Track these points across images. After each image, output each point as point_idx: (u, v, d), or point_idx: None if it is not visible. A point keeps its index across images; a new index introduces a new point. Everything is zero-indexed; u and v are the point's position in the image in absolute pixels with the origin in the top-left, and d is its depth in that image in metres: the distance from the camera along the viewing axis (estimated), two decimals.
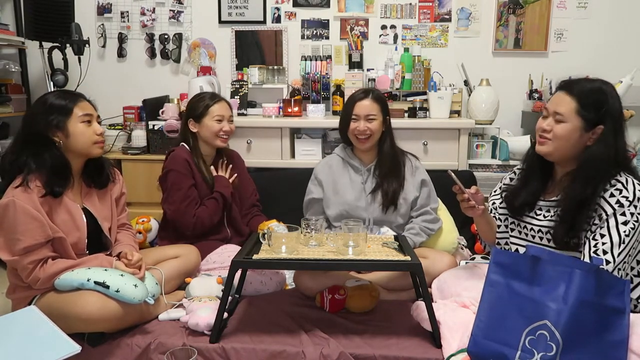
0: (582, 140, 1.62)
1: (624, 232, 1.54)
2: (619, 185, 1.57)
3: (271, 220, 2.37)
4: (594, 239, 1.57)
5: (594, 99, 1.60)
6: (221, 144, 2.35)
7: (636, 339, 1.39)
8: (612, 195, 1.57)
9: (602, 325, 1.38)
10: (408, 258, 1.68)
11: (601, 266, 1.50)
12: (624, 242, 1.53)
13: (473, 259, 2.35)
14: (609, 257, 1.53)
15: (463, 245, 2.45)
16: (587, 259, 1.55)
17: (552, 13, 3.21)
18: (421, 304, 1.72)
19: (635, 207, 1.55)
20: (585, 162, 1.61)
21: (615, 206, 1.55)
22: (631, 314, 1.43)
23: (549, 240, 1.70)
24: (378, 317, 1.85)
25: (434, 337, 1.63)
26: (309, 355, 1.59)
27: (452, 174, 1.71)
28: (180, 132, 2.45)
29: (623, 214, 1.55)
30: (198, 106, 2.33)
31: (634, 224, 1.54)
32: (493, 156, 3.03)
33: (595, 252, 1.54)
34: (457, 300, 1.75)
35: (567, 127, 1.61)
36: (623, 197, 1.56)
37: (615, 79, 2.75)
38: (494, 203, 1.92)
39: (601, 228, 1.56)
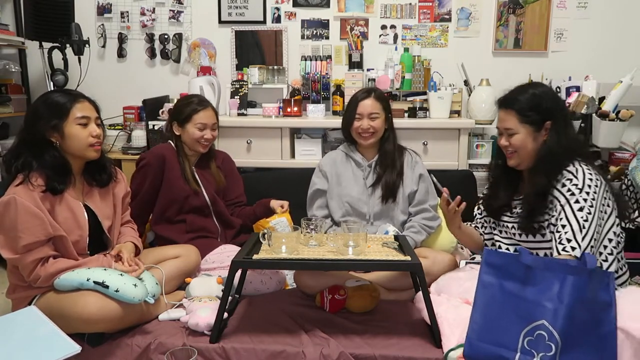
0: (538, 140, 1.74)
1: (582, 217, 1.59)
2: (569, 175, 1.66)
3: (284, 214, 2.37)
4: (557, 231, 1.63)
5: (530, 105, 1.73)
6: (202, 150, 2.35)
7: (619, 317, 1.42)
8: (563, 185, 1.66)
9: (595, 321, 1.40)
10: (408, 258, 1.68)
11: (568, 253, 1.56)
12: (584, 227, 1.58)
13: (473, 258, 2.34)
14: (573, 244, 1.57)
15: (463, 246, 2.45)
16: (555, 253, 1.60)
17: (552, 13, 3.21)
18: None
19: (587, 193, 1.62)
20: (542, 154, 1.72)
21: (567, 195, 1.64)
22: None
23: (520, 235, 1.79)
24: (378, 317, 1.85)
25: (434, 337, 1.63)
26: (309, 355, 1.59)
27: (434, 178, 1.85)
28: (166, 130, 2.45)
29: (577, 201, 1.62)
30: (184, 111, 2.33)
31: (589, 209, 1.60)
32: (493, 156, 3.02)
33: (560, 242, 1.60)
34: (462, 297, 1.76)
35: (520, 137, 1.75)
36: (573, 185, 1.64)
37: (615, 79, 2.76)
38: (479, 208, 2.02)
39: (560, 219, 1.63)
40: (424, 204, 2.28)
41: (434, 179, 1.85)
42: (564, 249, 1.57)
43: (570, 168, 1.69)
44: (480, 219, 2.01)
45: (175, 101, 2.53)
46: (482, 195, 2.02)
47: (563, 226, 1.62)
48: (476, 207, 2.04)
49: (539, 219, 1.71)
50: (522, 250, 1.53)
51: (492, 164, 2.01)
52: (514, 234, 1.82)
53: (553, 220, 1.68)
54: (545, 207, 1.69)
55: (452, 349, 1.56)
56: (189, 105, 2.35)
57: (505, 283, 1.47)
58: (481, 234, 2.01)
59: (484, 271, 1.51)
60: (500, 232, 1.89)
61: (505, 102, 1.80)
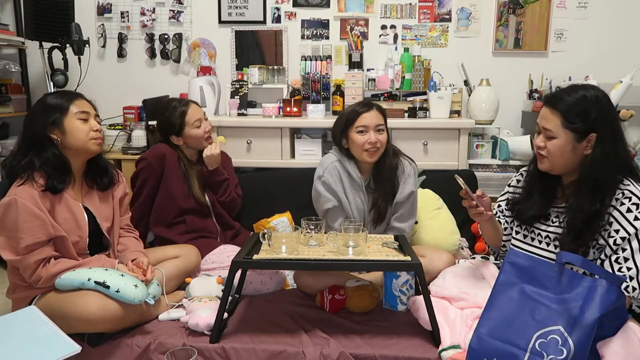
0: (577, 151, 1.59)
1: None
2: (635, 199, 1.52)
3: (284, 214, 2.35)
4: (617, 261, 1.52)
5: (578, 109, 1.56)
6: (209, 143, 2.38)
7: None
8: (629, 210, 1.51)
9: (611, 334, 1.38)
10: (408, 258, 1.68)
11: (627, 293, 1.49)
12: None
13: (473, 258, 2.35)
14: (634, 284, 1.49)
15: (464, 246, 2.46)
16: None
17: (552, 13, 3.21)
18: (418, 298, 1.75)
19: None
20: (585, 170, 1.58)
21: (637, 225, 1.50)
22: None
23: (555, 247, 1.67)
24: (378, 317, 1.85)
25: (433, 337, 1.63)
26: (309, 355, 1.59)
27: (460, 179, 1.68)
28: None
29: None
30: (174, 120, 2.30)
31: None
32: (493, 156, 3.03)
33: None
34: (447, 296, 1.77)
35: (558, 143, 1.59)
36: None
37: (615, 79, 2.75)
38: (499, 205, 1.91)
39: (623, 250, 1.51)
40: (403, 223, 2.17)
41: (461, 180, 1.67)
42: (625, 289, 1.48)
43: (633, 189, 1.53)
44: (503, 218, 1.89)
45: (157, 119, 2.42)
46: (507, 197, 1.89)
47: (625, 259, 1.50)
48: (496, 205, 1.92)
49: (587, 242, 1.57)
50: (563, 254, 1.46)
51: (530, 166, 1.80)
52: (548, 244, 1.70)
53: (602, 241, 1.55)
54: (598, 229, 1.55)
55: (444, 349, 1.57)
56: (175, 111, 2.31)
57: (526, 285, 1.44)
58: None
59: (505, 270, 1.48)
60: (525, 237, 1.77)
61: (552, 100, 1.61)
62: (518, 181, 1.88)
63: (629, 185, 1.55)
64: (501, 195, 1.94)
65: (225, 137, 2.58)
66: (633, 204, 1.52)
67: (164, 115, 2.34)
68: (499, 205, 1.92)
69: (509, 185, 1.92)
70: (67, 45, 3.01)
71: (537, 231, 1.74)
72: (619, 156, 1.57)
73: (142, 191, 2.29)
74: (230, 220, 2.44)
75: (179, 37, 3.35)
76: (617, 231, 1.53)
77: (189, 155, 2.38)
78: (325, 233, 1.80)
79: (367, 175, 2.20)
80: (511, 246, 1.81)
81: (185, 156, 2.36)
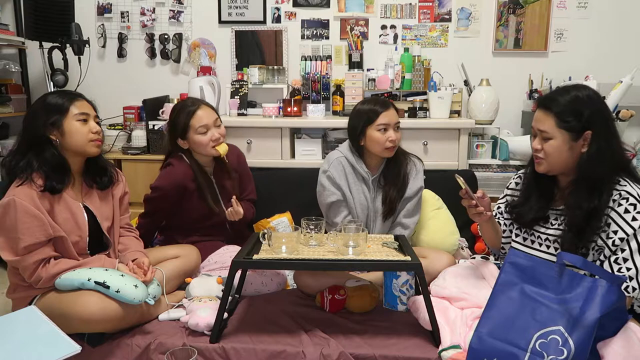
0: (575, 150, 1.60)
1: None
2: (632, 199, 1.52)
3: (284, 214, 2.34)
4: (616, 262, 1.52)
5: (571, 109, 1.58)
6: (217, 153, 2.20)
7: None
8: (626, 211, 1.52)
9: (611, 334, 1.38)
10: (408, 258, 1.68)
11: (628, 294, 1.49)
12: None
13: (473, 258, 2.35)
14: (634, 284, 1.50)
15: (464, 246, 2.46)
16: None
17: (552, 13, 3.21)
18: (418, 298, 1.75)
19: None
20: (582, 167, 1.59)
21: (635, 225, 1.50)
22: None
23: (556, 249, 1.68)
24: (378, 317, 1.85)
25: (433, 337, 1.63)
26: (309, 355, 1.59)
27: (460, 178, 1.68)
28: (170, 151, 2.27)
29: None
30: (180, 121, 2.16)
31: None
32: (493, 156, 3.03)
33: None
34: (447, 296, 1.77)
35: (555, 144, 1.60)
36: (638, 213, 1.51)
37: (615, 79, 2.76)
38: (499, 207, 1.91)
39: (622, 251, 1.52)
40: (409, 219, 2.22)
41: (461, 179, 1.68)
42: (625, 289, 1.49)
43: (630, 190, 1.53)
44: (502, 220, 1.89)
45: (176, 101, 2.41)
46: (507, 199, 1.89)
47: (625, 260, 1.51)
48: (496, 207, 1.92)
49: (588, 241, 1.58)
50: (563, 254, 1.45)
51: (527, 169, 1.81)
52: (548, 247, 1.70)
53: (600, 242, 1.56)
54: (598, 229, 1.55)
55: (444, 349, 1.57)
56: (182, 112, 2.17)
57: (526, 285, 1.44)
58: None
59: (505, 270, 1.48)
60: (525, 239, 1.78)
61: (545, 102, 1.63)
62: (516, 184, 1.88)
63: (625, 185, 1.56)
64: (500, 198, 1.94)
65: (225, 141, 2.39)
66: (630, 204, 1.52)
67: (172, 116, 2.22)
68: (498, 207, 1.92)
69: (508, 188, 1.92)
70: (67, 45, 3.02)
71: (536, 234, 1.74)
72: (614, 153, 1.59)
73: (153, 215, 2.25)
74: (246, 232, 2.35)
75: (179, 37, 3.35)
76: (615, 232, 1.53)
77: (202, 163, 2.24)
78: (325, 233, 1.80)
79: (375, 171, 2.22)
80: (511, 247, 1.81)
81: (199, 168, 2.21)
